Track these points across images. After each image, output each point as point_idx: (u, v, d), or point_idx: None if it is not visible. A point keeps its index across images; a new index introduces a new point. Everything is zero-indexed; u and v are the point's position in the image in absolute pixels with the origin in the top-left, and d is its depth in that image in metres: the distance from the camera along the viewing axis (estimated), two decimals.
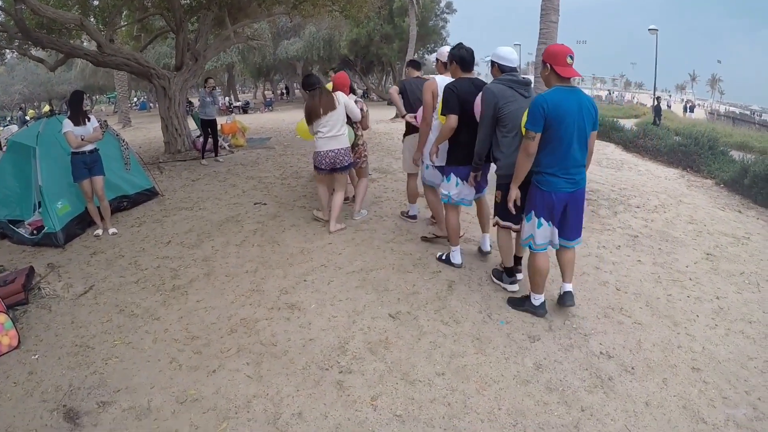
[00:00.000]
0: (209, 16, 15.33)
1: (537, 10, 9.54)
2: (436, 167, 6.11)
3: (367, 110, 7.63)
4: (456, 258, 6.02)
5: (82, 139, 7.21)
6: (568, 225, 4.71)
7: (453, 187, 5.67)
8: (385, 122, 21.06)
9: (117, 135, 9.31)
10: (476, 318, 4.91)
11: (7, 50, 16.43)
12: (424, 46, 41.89)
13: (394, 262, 6.15)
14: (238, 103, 41.75)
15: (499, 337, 4.59)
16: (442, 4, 42.82)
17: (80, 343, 4.78)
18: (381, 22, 38.94)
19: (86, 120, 7.40)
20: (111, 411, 3.84)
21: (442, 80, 5.86)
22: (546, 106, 4.29)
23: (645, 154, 14.98)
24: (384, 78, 52.52)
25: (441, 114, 5.48)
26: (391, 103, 7.49)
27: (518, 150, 4.68)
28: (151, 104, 57.02)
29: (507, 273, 5.50)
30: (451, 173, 5.65)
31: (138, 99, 62.74)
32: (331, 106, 6.77)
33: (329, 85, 7.37)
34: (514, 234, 5.34)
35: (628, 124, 20.56)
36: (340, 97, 6.90)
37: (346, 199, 7.88)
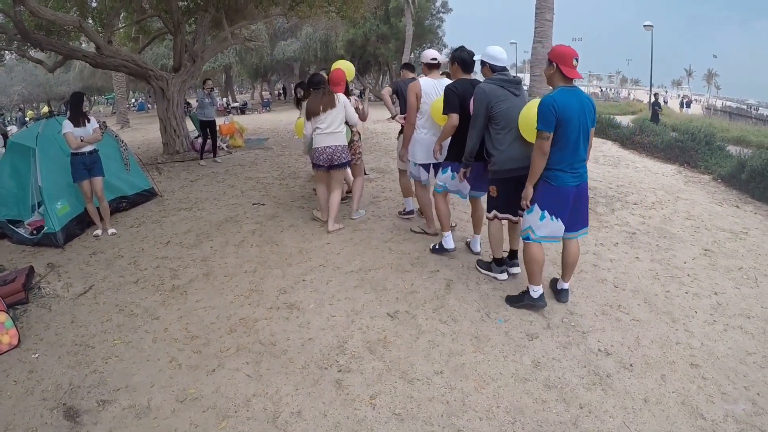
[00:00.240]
0: (206, 18, 15.33)
1: (532, 9, 9.56)
2: (420, 165, 6.38)
3: (364, 107, 7.88)
4: (448, 243, 6.20)
5: (82, 140, 7.23)
6: (576, 216, 4.86)
7: (448, 179, 5.90)
8: (382, 122, 21.02)
9: (116, 136, 9.32)
10: (474, 317, 4.93)
11: (6, 51, 16.44)
12: (420, 45, 41.85)
13: (392, 262, 6.17)
14: (235, 104, 41.81)
15: (498, 336, 4.61)
16: (438, 4, 42.99)
17: (80, 342, 4.80)
18: (377, 22, 38.92)
19: (86, 121, 7.41)
20: (111, 409, 3.85)
21: (426, 82, 6.21)
22: (556, 106, 4.41)
23: (642, 150, 14.97)
24: (381, 78, 52.52)
25: (443, 113, 5.62)
26: (393, 102, 7.58)
27: (512, 146, 5.02)
28: (149, 105, 56.97)
29: (496, 263, 5.66)
30: (449, 167, 5.84)
31: (136, 100, 62.69)
32: (331, 105, 6.85)
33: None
34: (506, 224, 5.48)
35: (624, 120, 20.55)
36: (341, 97, 6.96)
37: (343, 199, 7.92)
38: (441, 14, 43.68)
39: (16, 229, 7.64)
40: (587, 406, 3.71)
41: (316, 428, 3.56)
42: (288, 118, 26.05)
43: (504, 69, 5.32)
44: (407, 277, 5.78)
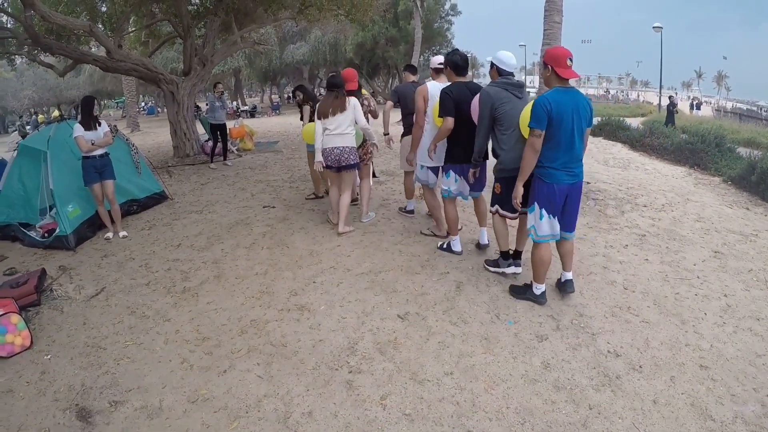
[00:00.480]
0: (216, 22, 15.40)
1: (541, 11, 9.56)
2: (429, 168, 6.51)
3: (374, 105, 8.17)
4: (456, 246, 6.41)
5: (93, 144, 7.28)
6: (567, 216, 5.00)
7: (452, 183, 6.11)
8: (392, 125, 20.93)
9: (127, 140, 9.38)
10: (484, 318, 4.94)
11: (17, 56, 16.52)
12: (429, 48, 41.84)
13: (402, 264, 6.19)
14: (245, 108, 41.88)
15: (507, 337, 4.62)
16: (447, 6, 42.82)
17: (92, 344, 4.83)
18: (386, 25, 38.96)
19: (97, 125, 7.46)
20: (123, 410, 3.88)
21: (433, 86, 6.33)
22: (549, 105, 4.54)
23: (652, 152, 14.95)
24: (390, 81, 52.46)
25: (438, 116, 5.82)
26: (396, 105, 7.66)
27: (516, 145, 5.15)
28: (158, 109, 57.15)
29: (503, 256, 5.81)
30: (450, 170, 6.06)
31: (146, 104, 62.92)
32: (341, 108, 6.92)
33: None
34: (511, 223, 5.65)
35: (634, 122, 20.51)
36: (352, 100, 7.02)
37: (354, 201, 8.02)
38: (450, 17, 43.63)
39: (28, 232, 7.70)
40: (596, 407, 3.71)
41: (326, 428, 3.58)
42: (298, 121, 26.00)
43: (511, 74, 5.45)
44: (417, 279, 5.80)
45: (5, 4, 14.28)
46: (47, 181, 7.53)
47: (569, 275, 5.32)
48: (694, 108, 46.62)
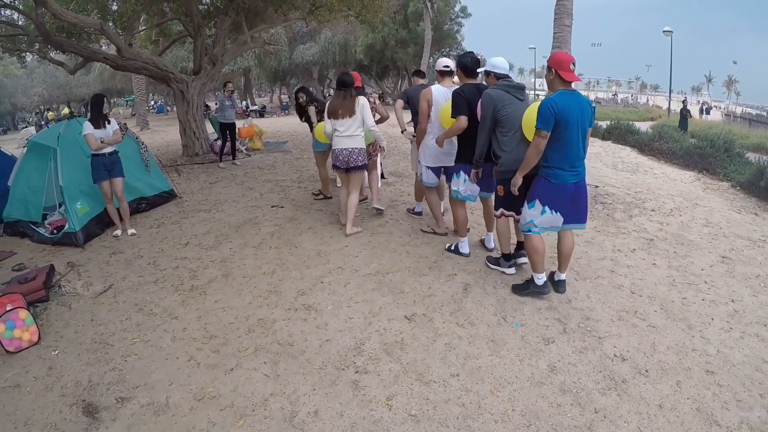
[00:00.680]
0: (227, 21, 15.43)
1: (551, 15, 9.55)
2: (431, 169, 6.65)
3: (378, 103, 8.30)
4: (464, 248, 6.47)
5: (102, 142, 7.31)
6: (577, 211, 5.15)
7: (461, 183, 6.16)
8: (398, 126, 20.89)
9: (136, 138, 9.41)
10: (491, 320, 4.94)
11: (28, 53, 16.60)
12: (438, 50, 41.91)
13: (410, 265, 6.20)
14: (254, 107, 41.96)
15: (514, 340, 4.62)
16: (457, 8, 42.89)
17: (99, 340, 4.86)
18: (396, 26, 39.05)
19: (106, 123, 7.49)
20: (129, 406, 3.90)
21: (437, 89, 6.48)
22: (555, 108, 4.69)
23: (661, 157, 14.92)
24: (399, 82, 52.50)
25: (451, 117, 5.88)
26: (406, 107, 7.76)
27: (517, 147, 5.29)
28: (168, 108, 57.31)
29: (504, 258, 5.96)
30: (460, 171, 6.13)
31: (155, 102, 63.09)
32: (350, 112, 6.97)
33: None
34: (512, 221, 5.78)
35: (643, 126, 20.45)
36: (362, 100, 7.06)
37: (362, 200, 8.15)
38: (460, 19, 43.68)
39: (37, 229, 7.75)
40: (602, 410, 3.71)
41: (332, 428, 3.59)
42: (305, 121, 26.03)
43: (507, 76, 5.66)
44: (425, 280, 5.81)
45: (17, 2, 14.32)
46: (57, 178, 7.56)
47: (563, 276, 5.50)
48: (704, 112, 46.51)
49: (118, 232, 7.76)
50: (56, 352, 4.72)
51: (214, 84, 16.85)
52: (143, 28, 18.16)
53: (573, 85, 4.91)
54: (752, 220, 8.58)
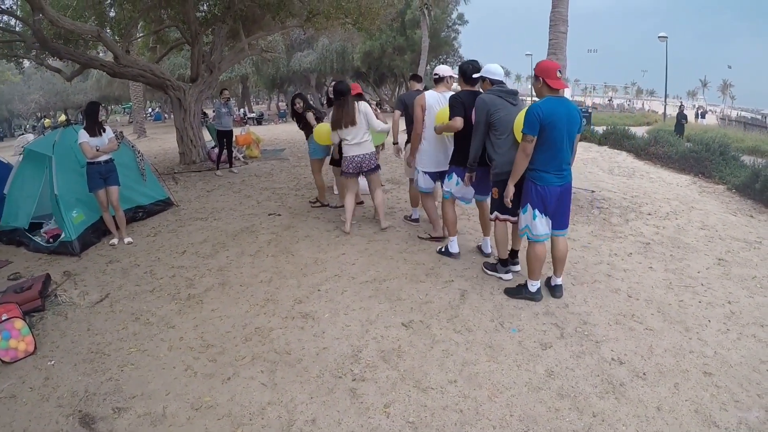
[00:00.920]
0: (224, 29, 15.47)
1: (546, 21, 9.57)
2: (428, 174, 6.72)
3: (379, 112, 8.30)
4: (453, 247, 6.60)
5: (98, 150, 7.30)
6: (559, 216, 5.26)
7: (453, 185, 6.29)
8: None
9: (133, 146, 9.41)
10: (488, 326, 4.94)
11: (25, 59, 16.61)
12: (436, 57, 41.95)
13: (407, 272, 6.20)
14: (252, 115, 41.99)
15: (511, 345, 4.62)
16: (454, 16, 42.98)
17: (96, 350, 4.84)
18: (393, 34, 39.13)
19: (101, 131, 7.49)
20: (126, 417, 3.88)
21: (431, 95, 6.60)
22: (541, 113, 4.85)
23: (657, 161, 14.93)
24: (397, 89, 52.56)
25: (449, 119, 6.00)
26: (402, 114, 7.86)
27: (511, 150, 5.40)
28: (165, 115, 57.34)
29: (501, 263, 5.99)
30: (453, 172, 6.29)
31: (153, 110, 63.08)
32: (352, 122, 7.09)
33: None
34: (510, 226, 5.83)
35: (640, 131, 20.49)
36: (362, 107, 7.18)
37: (360, 203, 8.42)
38: (457, 26, 43.78)
39: (33, 237, 7.74)
40: (600, 414, 3.71)
41: None
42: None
43: (501, 82, 5.83)
44: (422, 287, 5.81)
45: (14, 8, 14.34)
46: (53, 186, 7.54)
47: (559, 281, 5.56)
48: (699, 117, 46.58)
49: (115, 240, 7.75)
50: (52, 362, 4.70)
51: (211, 91, 16.88)
52: (140, 35, 18.16)
53: (567, 91, 4.97)
54: (748, 222, 8.59)
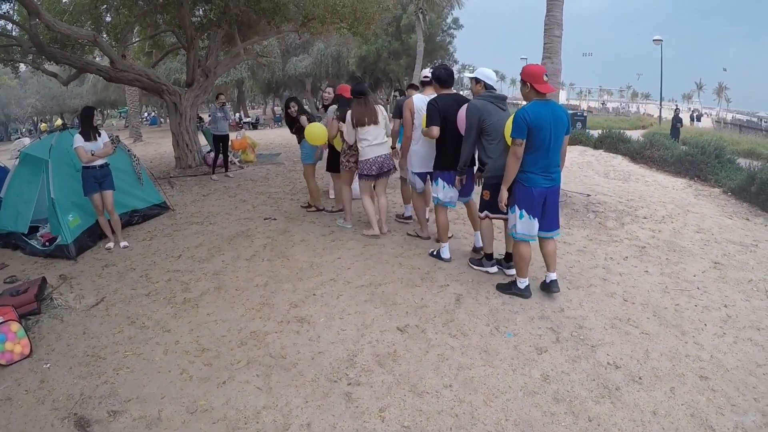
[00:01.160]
0: (220, 34, 15.49)
1: (541, 25, 9.59)
2: (417, 174, 6.99)
3: None
4: (445, 253, 6.68)
5: (93, 154, 7.30)
6: (547, 217, 5.38)
7: (441, 190, 6.44)
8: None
9: (129, 150, 9.40)
10: (484, 331, 4.94)
11: (21, 64, 16.60)
12: (431, 61, 42.01)
13: (402, 276, 6.20)
14: (248, 119, 41.98)
15: (507, 350, 4.62)
16: (449, 20, 43.14)
17: (92, 354, 4.83)
18: (389, 38, 39.26)
19: (97, 135, 7.49)
20: (121, 420, 3.88)
21: (418, 98, 6.93)
22: (528, 117, 5.00)
23: (652, 164, 14.92)
24: (392, 94, 52.71)
25: (425, 126, 6.24)
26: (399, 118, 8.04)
27: (503, 154, 5.54)
28: (161, 119, 57.29)
29: (486, 258, 6.24)
30: (438, 178, 6.45)
31: (149, 114, 63.02)
32: (375, 120, 7.17)
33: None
34: (495, 224, 6.17)
35: (635, 135, 20.51)
36: (381, 109, 7.32)
37: (340, 209, 8.56)
38: (452, 30, 43.92)
39: (29, 241, 7.73)
40: (596, 419, 3.71)
41: None
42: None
43: (494, 88, 6.07)
44: (417, 291, 5.81)
45: (11, 12, 14.33)
46: (49, 190, 7.54)
47: (554, 276, 5.60)
48: (695, 120, 46.71)
49: (111, 244, 7.75)
50: (48, 365, 4.69)
51: (207, 96, 16.90)
52: (136, 39, 18.20)
53: (562, 94, 5.00)
54: (744, 225, 8.60)
